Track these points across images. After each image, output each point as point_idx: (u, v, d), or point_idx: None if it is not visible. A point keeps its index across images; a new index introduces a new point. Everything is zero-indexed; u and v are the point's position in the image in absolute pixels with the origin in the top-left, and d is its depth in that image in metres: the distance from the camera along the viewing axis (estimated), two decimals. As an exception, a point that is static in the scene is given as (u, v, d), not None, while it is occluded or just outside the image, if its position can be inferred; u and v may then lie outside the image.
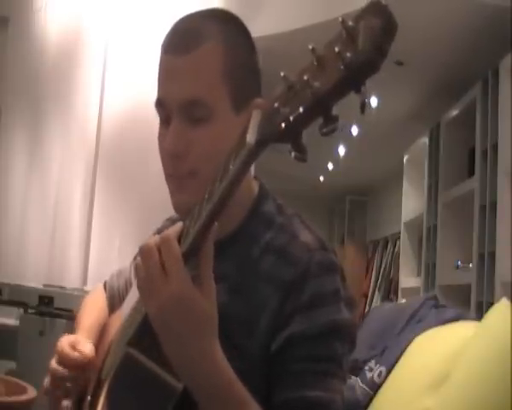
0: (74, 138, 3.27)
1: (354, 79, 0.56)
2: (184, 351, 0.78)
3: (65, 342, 1.05)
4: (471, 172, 3.69)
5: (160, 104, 0.94)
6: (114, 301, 1.22)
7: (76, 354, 1.03)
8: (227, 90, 0.91)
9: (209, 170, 0.83)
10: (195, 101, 0.90)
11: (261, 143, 0.69)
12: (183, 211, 0.92)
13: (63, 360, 1.03)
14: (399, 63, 3.69)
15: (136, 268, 0.79)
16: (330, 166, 6.29)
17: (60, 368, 1.03)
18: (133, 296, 0.96)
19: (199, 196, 0.79)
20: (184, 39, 0.92)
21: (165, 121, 0.94)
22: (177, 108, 0.90)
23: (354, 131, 4.88)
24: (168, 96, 0.92)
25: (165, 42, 0.95)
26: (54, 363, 1.04)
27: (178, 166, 0.92)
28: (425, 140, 4.52)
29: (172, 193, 0.95)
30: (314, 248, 0.91)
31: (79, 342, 1.06)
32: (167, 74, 0.93)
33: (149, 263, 0.77)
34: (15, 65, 3.31)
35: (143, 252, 0.78)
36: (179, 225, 0.81)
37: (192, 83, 0.90)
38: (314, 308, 0.87)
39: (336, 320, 0.88)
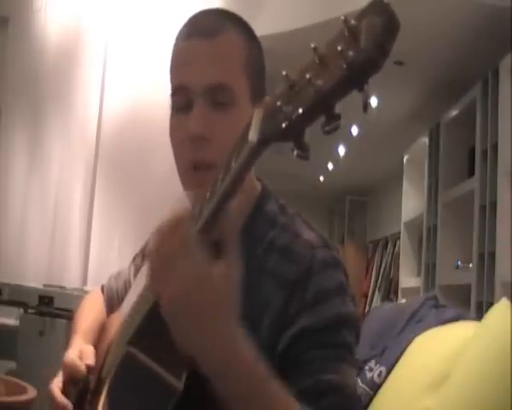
0: (74, 138, 3.27)
1: (356, 77, 0.56)
2: (201, 335, 0.71)
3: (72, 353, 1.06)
4: (471, 172, 3.69)
5: (181, 89, 0.92)
6: (113, 303, 1.21)
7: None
8: (247, 79, 0.93)
9: None
10: (221, 84, 0.90)
11: (263, 142, 0.68)
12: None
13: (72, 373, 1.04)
14: (399, 63, 3.69)
15: (148, 254, 0.78)
16: (330, 166, 6.30)
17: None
18: (133, 296, 0.96)
19: None
20: (206, 26, 0.92)
21: (186, 107, 0.92)
22: (202, 91, 0.90)
23: (354, 131, 4.88)
24: (192, 79, 0.91)
25: (183, 31, 0.95)
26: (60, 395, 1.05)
27: (201, 150, 0.91)
28: (425, 140, 4.52)
29: (190, 187, 0.92)
30: (317, 246, 0.91)
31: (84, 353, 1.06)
32: (190, 58, 0.92)
33: (162, 246, 0.73)
34: (15, 65, 3.31)
35: (156, 235, 0.75)
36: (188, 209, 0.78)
37: (219, 67, 0.90)
38: (319, 305, 0.87)
39: (342, 313, 0.88)
